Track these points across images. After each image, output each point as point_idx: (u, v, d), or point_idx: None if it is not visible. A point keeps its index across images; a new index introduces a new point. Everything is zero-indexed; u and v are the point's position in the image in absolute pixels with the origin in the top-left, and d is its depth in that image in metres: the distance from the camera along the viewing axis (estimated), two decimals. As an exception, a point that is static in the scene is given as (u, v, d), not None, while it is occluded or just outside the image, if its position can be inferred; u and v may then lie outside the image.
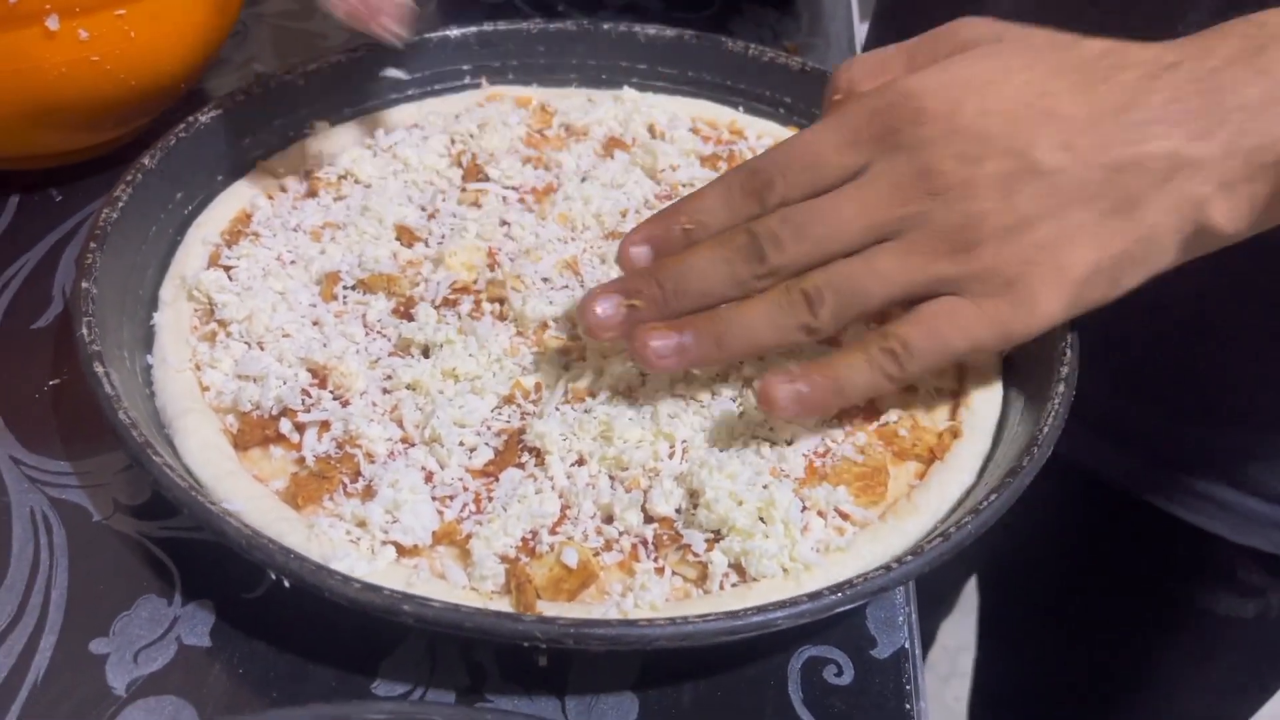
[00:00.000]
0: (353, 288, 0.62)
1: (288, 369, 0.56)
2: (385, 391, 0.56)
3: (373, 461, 0.52)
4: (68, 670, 0.47)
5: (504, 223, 0.66)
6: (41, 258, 0.67)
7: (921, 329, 0.49)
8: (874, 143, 0.49)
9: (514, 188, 0.69)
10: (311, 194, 0.68)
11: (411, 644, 0.49)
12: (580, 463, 0.53)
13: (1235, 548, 0.73)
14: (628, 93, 0.75)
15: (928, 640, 1.28)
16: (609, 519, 0.51)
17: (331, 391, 0.56)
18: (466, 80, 0.76)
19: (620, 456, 0.52)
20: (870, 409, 0.57)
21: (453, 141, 0.72)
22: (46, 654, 0.48)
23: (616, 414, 0.54)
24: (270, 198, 0.67)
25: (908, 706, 0.48)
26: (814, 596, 0.44)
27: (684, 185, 0.70)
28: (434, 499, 0.51)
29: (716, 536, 0.50)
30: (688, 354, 0.52)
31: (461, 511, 0.51)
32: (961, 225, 0.48)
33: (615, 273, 0.62)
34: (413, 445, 0.53)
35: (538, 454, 0.53)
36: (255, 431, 0.54)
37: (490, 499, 0.51)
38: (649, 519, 0.51)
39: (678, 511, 0.51)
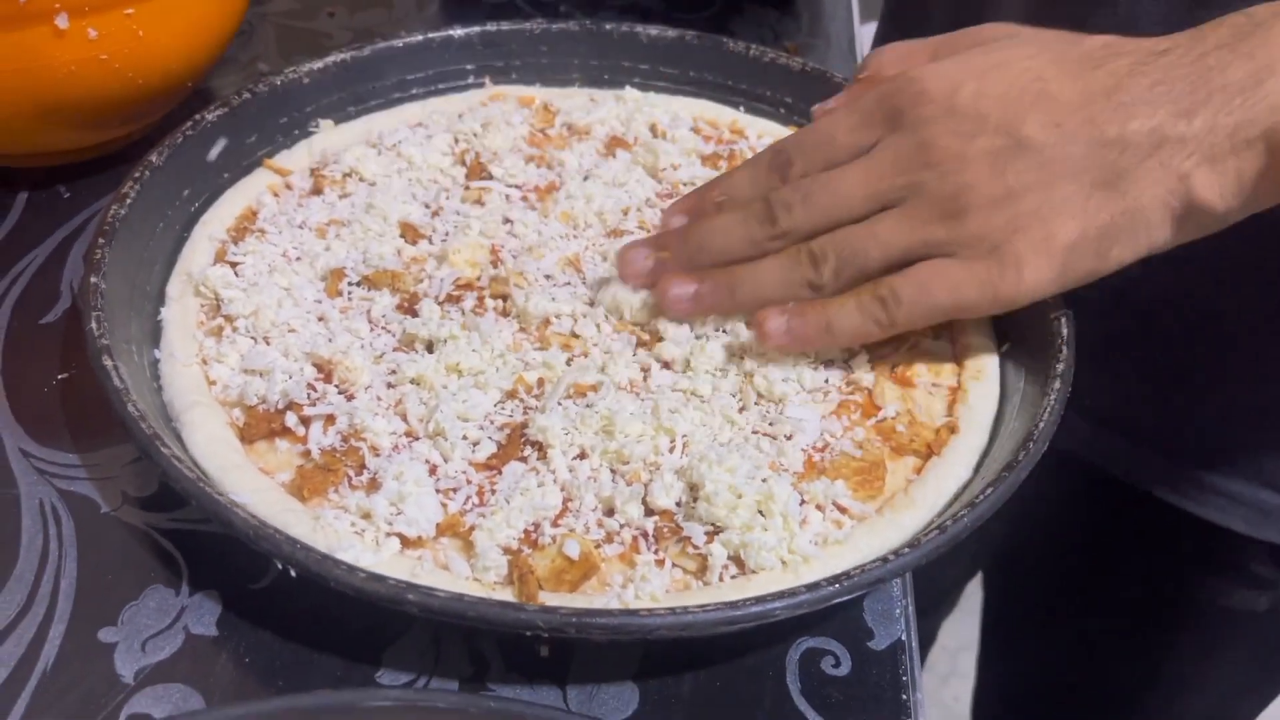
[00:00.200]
0: (357, 284, 0.62)
1: (293, 363, 0.57)
2: (390, 386, 0.57)
3: (377, 455, 0.53)
4: (77, 659, 0.48)
5: (507, 220, 0.67)
6: (50, 254, 0.68)
7: (911, 281, 0.53)
8: (882, 123, 0.54)
9: (517, 186, 0.70)
10: (316, 191, 0.68)
11: (415, 634, 0.49)
12: (582, 456, 0.54)
13: (1248, 541, 0.73)
14: (630, 92, 0.76)
15: (929, 638, 1.29)
16: (610, 512, 0.52)
17: (336, 386, 0.56)
18: (470, 80, 0.77)
19: (621, 450, 0.53)
20: (869, 405, 0.58)
21: (456, 140, 0.73)
22: (56, 643, 0.48)
23: (618, 409, 0.54)
24: (276, 195, 0.68)
25: (904, 697, 0.49)
26: (812, 588, 0.45)
27: (685, 184, 0.70)
28: (438, 492, 0.51)
29: (716, 529, 0.51)
30: (703, 301, 0.58)
31: (465, 504, 0.51)
32: (953, 194, 0.52)
33: (616, 271, 0.63)
34: (417, 439, 0.54)
35: (540, 448, 0.54)
36: (261, 425, 0.54)
37: (493, 492, 0.52)
38: (650, 512, 0.52)
39: (678, 505, 0.52)
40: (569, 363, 0.58)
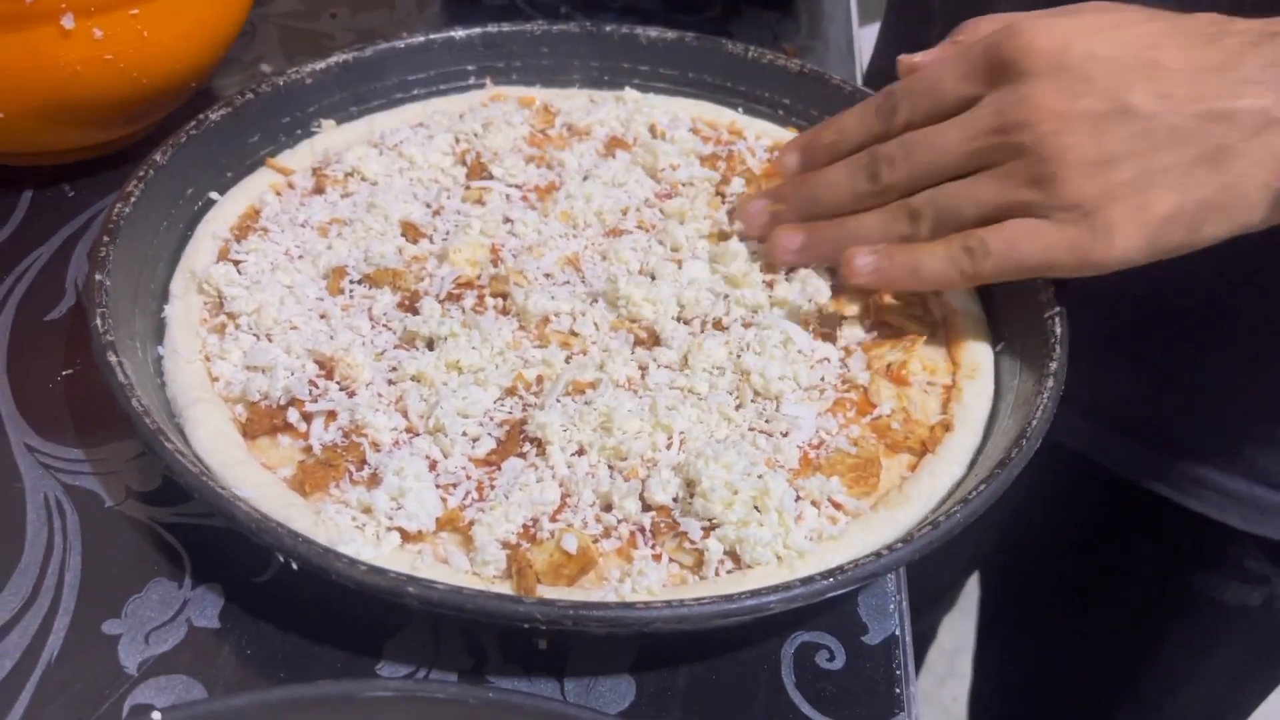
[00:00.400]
0: (359, 282, 0.63)
1: (295, 360, 0.58)
2: (390, 383, 0.57)
3: (378, 450, 0.54)
4: (81, 650, 0.49)
5: (507, 220, 0.67)
6: (54, 252, 0.69)
7: (1001, 237, 0.54)
8: (987, 75, 0.55)
9: (517, 185, 0.70)
10: (318, 191, 0.69)
11: (415, 627, 0.50)
12: (580, 453, 0.54)
13: (1243, 536, 0.74)
14: (629, 93, 0.77)
15: (928, 636, 1.29)
16: (608, 507, 0.52)
17: (338, 382, 0.57)
18: (471, 80, 0.78)
19: (619, 447, 0.54)
20: (864, 403, 0.58)
21: (457, 140, 0.73)
22: (60, 635, 0.49)
23: (616, 405, 0.55)
24: (278, 194, 0.69)
25: (897, 691, 0.49)
26: (806, 582, 0.46)
27: (684, 184, 0.71)
28: (438, 487, 0.52)
29: (712, 525, 0.51)
30: (809, 251, 0.62)
31: (464, 499, 0.52)
32: (1051, 156, 0.52)
33: (616, 269, 0.64)
34: (417, 435, 0.55)
35: (539, 444, 0.54)
36: (264, 421, 0.55)
37: (492, 487, 0.53)
38: (647, 507, 0.52)
39: (675, 500, 0.52)
40: (568, 360, 0.59)
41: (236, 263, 0.63)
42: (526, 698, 0.42)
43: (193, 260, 0.63)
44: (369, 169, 0.70)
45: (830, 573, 0.46)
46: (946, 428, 0.57)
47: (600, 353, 0.59)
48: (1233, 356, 0.70)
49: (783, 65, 0.76)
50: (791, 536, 0.50)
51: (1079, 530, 0.86)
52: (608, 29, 0.78)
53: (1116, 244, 0.52)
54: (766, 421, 0.56)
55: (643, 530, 0.52)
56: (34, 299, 0.65)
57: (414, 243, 0.66)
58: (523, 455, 0.54)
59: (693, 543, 0.51)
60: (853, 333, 0.62)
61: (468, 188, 0.70)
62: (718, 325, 0.61)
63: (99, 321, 0.54)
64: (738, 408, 0.57)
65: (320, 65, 0.72)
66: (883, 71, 0.92)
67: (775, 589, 0.45)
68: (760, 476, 0.52)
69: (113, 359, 0.52)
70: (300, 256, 0.64)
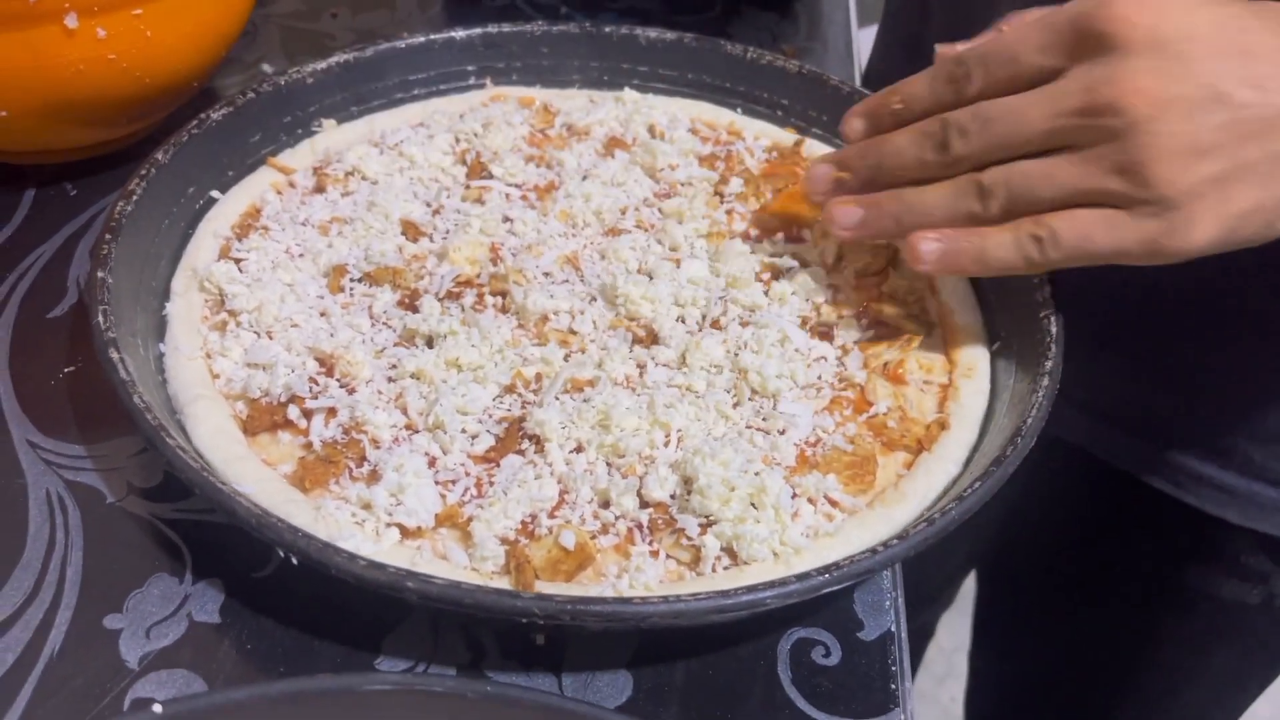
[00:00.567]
0: (359, 280, 0.63)
1: (296, 358, 0.58)
2: (390, 380, 0.58)
3: (378, 447, 0.54)
4: (82, 645, 0.49)
5: (507, 219, 0.68)
6: (56, 250, 0.69)
7: (1074, 224, 0.52)
8: (1073, 46, 0.51)
9: (517, 185, 0.71)
10: (319, 190, 0.70)
11: (414, 622, 0.50)
12: (579, 450, 0.55)
13: (1241, 533, 0.74)
14: (629, 94, 0.77)
15: (926, 633, 1.29)
16: (606, 504, 0.53)
17: (338, 379, 0.57)
18: (471, 81, 0.78)
19: (617, 444, 0.54)
20: (861, 401, 0.59)
21: (457, 140, 0.74)
22: (62, 629, 0.49)
23: (614, 403, 0.55)
24: (279, 193, 0.69)
25: (893, 686, 0.50)
26: (802, 578, 0.46)
27: (683, 184, 0.71)
28: (437, 483, 0.52)
29: (709, 521, 0.51)
30: (868, 227, 0.59)
31: (463, 495, 0.52)
32: (1142, 145, 0.49)
33: (614, 268, 0.64)
34: (416, 432, 0.55)
35: (538, 441, 0.55)
36: (264, 417, 0.55)
37: (491, 483, 0.53)
38: (644, 504, 0.53)
39: (672, 497, 0.53)
40: (566, 358, 0.59)
41: (238, 261, 0.63)
42: (524, 692, 0.42)
43: (194, 258, 0.64)
44: (369, 168, 0.70)
45: (826, 569, 0.47)
46: (943, 426, 0.57)
47: (599, 351, 0.60)
48: (1230, 352, 0.70)
49: (781, 66, 0.77)
50: (788, 533, 0.51)
51: (1076, 526, 0.86)
52: (607, 30, 0.78)
53: (1194, 238, 0.50)
54: (764, 419, 0.57)
55: (640, 527, 0.52)
56: (36, 296, 0.66)
57: (414, 241, 0.66)
58: (521, 452, 0.55)
59: (690, 539, 0.51)
60: (849, 332, 0.62)
61: (467, 187, 0.70)
62: (715, 324, 0.62)
63: (101, 319, 0.54)
64: (735, 405, 0.57)
65: (321, 65, 0.73)
66: (881, 72, 0.93)
67: (771, 585, 0.46)
68: (757, 474, 0.53)
69: (114, 356, 0.52)
70: (301, 255, 0.65)
